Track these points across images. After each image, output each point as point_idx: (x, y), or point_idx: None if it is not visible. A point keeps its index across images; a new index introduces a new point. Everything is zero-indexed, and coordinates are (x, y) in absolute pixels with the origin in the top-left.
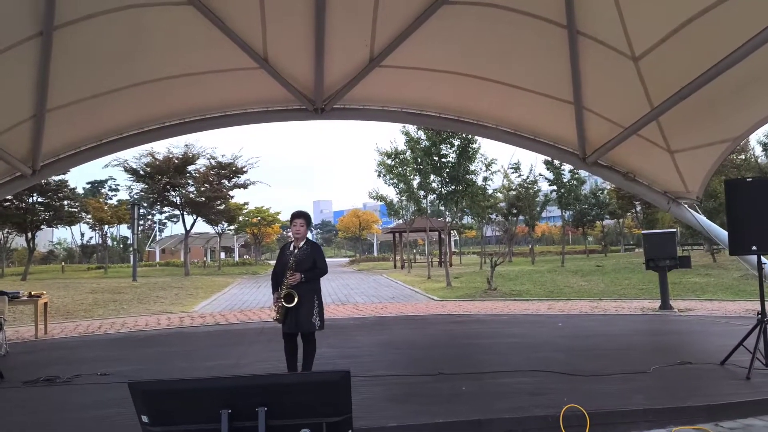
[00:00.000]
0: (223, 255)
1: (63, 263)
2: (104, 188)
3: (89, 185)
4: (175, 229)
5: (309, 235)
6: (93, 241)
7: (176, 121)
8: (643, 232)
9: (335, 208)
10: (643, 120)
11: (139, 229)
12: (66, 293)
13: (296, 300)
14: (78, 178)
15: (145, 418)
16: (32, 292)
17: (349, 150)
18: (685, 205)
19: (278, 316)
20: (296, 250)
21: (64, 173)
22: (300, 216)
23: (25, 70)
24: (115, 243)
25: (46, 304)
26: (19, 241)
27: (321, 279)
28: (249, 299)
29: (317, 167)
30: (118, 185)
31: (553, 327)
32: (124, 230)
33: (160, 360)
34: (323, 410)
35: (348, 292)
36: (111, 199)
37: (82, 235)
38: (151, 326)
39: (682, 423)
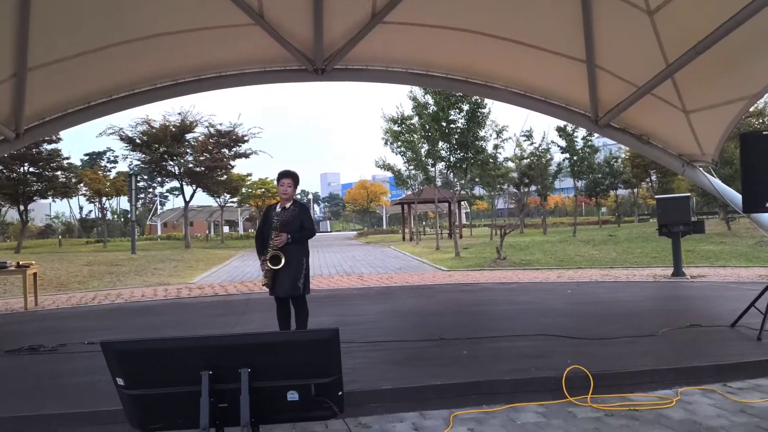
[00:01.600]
0: (227, 229)
1: (60, 237)
2: (102, 160)
3: (87, 157)
4: (176, 202)
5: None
6: (92, 215)
7: (169, 82)
8: (656, 197)
9: (343, 180)
10: (658, 78)
11: (140, 202)
12: (60, 266)
13: (283, 262)
14: (75, 149)
15: (120, 381)
16: (20, 262)
17: (359, 121)
18: (701, 169)
19: (266, 280)
20: (282, 211)
21: (53, 138)
22: (287, 175)
23: (1, 24)
24: (115, 217)
25: (35, 274)
26: (13, 215)
27: (313, 246)
28: (250, 271)
29: (325, 139)
30: (117, 157)
31: (561, 294)
32: (124, 203)
33: (152, 329)
34: (311, 371)
35: (353, 263)
36: (110, 171)
37: (81, 208)
38: (147, 297)
39: (689, 384)
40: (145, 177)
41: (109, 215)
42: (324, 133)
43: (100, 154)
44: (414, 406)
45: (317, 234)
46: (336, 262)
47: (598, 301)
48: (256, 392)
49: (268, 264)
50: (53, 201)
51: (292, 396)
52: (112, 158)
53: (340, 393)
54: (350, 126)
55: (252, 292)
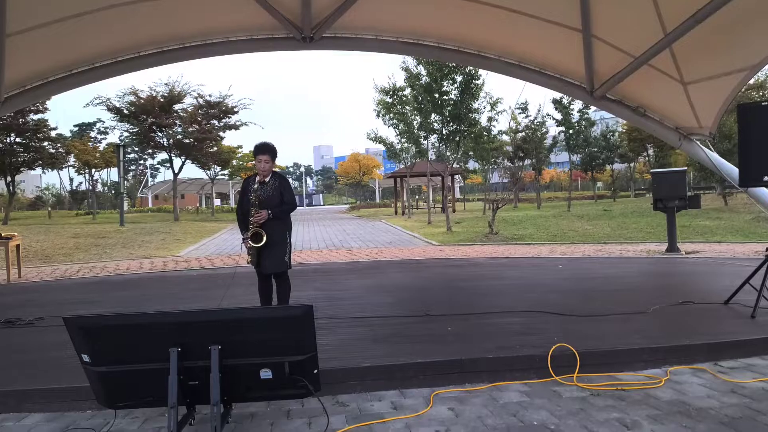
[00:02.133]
0: (218, 202)
1: (49, 209)
2: (92, 131)
3: (77, 128)
4: (168, 174)
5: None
6: (83, 187)
7: (154, 49)
8: (651, 170)
9: (336, 153)
10: (656, 47)
11: (131, 174)
12: (47, 237)
13: (264, 239)
14: (64, 120)
15: (86, 357)
16: (2, 234)
17: (353, 94)
18: (698, 142)
19: (250, 258)
20: (261, 186)
21: (40, 108)
22: (264, 150)
23: None
24: (105, 189)
25: (18, 246)
26: (1, 186)
27: (304, 220)
28: (239, 244)
29: (318, 111)
30: (107, 128)
31: (552, 270)
32: (114, 175)
33: (134, 303)
34: (285, 349)
35: (343, 237)
36: (100, 142)
37: (71, 180)
38: (133, 270)
39: (680, 363)
40: (136, 149)
41: (99, 187)
42: (317, 105)
43: (90, 125)
44: (394, 384)
45: (309, 208)
46: (326, 236)
47: (590, 276)
48: (227, 370)
49: (250, 242)
50: (43, 172)
51: (266, 374)
52: (102, 129)
53: (315, 371)
54: (344, 99)
55: (239, 266)
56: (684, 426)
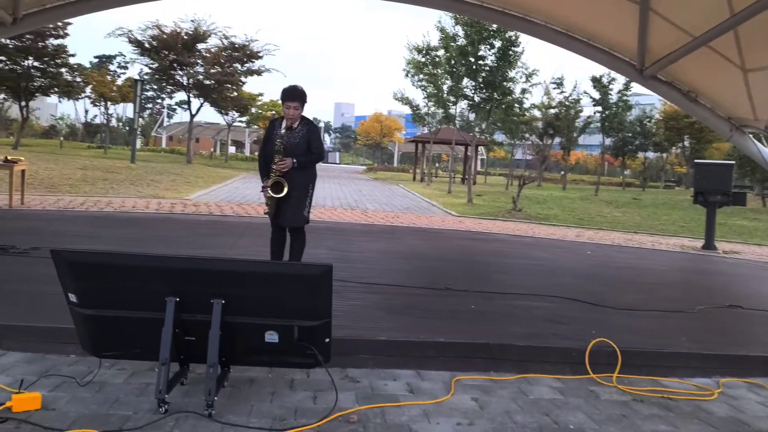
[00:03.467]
0: (233, 149)
1: (61, 139)
2: (112, 64)
3: (97, 59)
4: (184, 116)
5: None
6: (98, 120)
7: None
8: (696, 161)
9: (357, 112)
10: (719, 28)
11: (147, 112)
12: (55, 166)
13: (286, 190)
14: (86, 50)
15: (72, 297)
16: (8, 157)
17: (380, 55)
18: (750, 135)
19: (268, 207)
20: (288, 132)
21: (60, 33)
22: (293, 97)
23: None
24: (120, 124)
25: (23, 171)
26: (17, 111)
27: (319, 176)
28: (250, 194)
29: (341, 66)
30: (128, 62)
31: (581, 254)
32: (130, 111)
33: (135, 242)
34: (296, 311)
35: (359, 197)
36: (119, 76)
37: (87, 112)
38: (138, 209)
39: (733, 374)
40: (154, 87)
41: (114, 122)
42: (343, 60)
43: (110, 58)
44: (410, 363)
45: (324, 165)
46: (341, 194)
47: (622, 266)
48: (229, 328)
49: (270, 192)
50: (59, 101)
51: (271, 337)
52: (122, 63)
53: (327, 340)
54: (371, 59)
55: (249, 216)
56: None
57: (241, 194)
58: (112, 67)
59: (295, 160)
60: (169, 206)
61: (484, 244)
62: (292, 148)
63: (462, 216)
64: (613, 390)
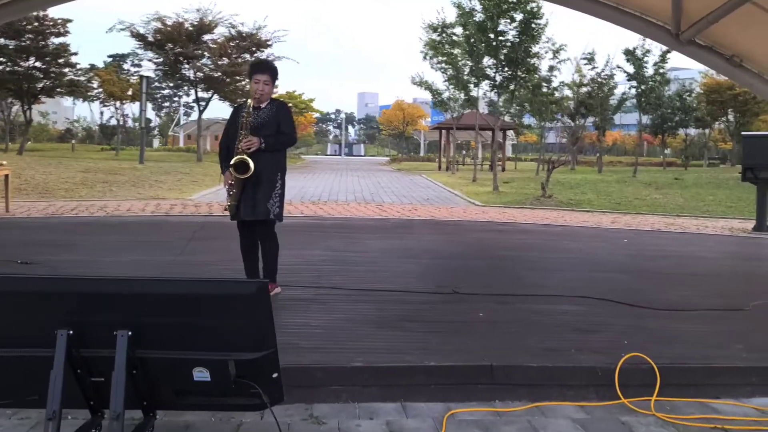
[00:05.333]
0: None
1: (73, 143)
2: (126, 63)
3: (110, 59)
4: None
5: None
6: (113, 121)
7: None
8: (743, 133)
9: (381, 102)
10: None
11: (164, 111)
12: (55, 170)
13: (252, 170)
14: (98, 51)
15: None
16: None
17: (403, 43)
18: None
19: (229, 201)
20: (255, 111)
21: (61, 31)
22: (263, 69)
23: None
24: (135, 125)
25: (7, 176)
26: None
27: (337, 169)
28: None
29: (365, 55)
30: (141, 61)
31: (616, 244)
32: (148, 112)
33: (114, 250)
34: (229, 342)
35: (376, 190)
36: (133, 75)
37: (101, 113)
38: (133, 212)
39: None
40: (170, 84)
41: (130, 123)
42: (364, 48)
43: (123, 57)
44: (394, 393)
45: (346, 158)
46: (357, 187)
47: (663, 255)
48: (144, 365)
49: (233, 171)
50: (74, 104)
51: (201, 375)
52: (136, 62)
53: (275, 375)
54: (394, 47)
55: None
56: None
57: None
58: (126, 66)
59: (262, 141)
60: (168, 208)
61: (506, 236)
62: (259, 127)
63: (486, 205)
64: (651, 420)
